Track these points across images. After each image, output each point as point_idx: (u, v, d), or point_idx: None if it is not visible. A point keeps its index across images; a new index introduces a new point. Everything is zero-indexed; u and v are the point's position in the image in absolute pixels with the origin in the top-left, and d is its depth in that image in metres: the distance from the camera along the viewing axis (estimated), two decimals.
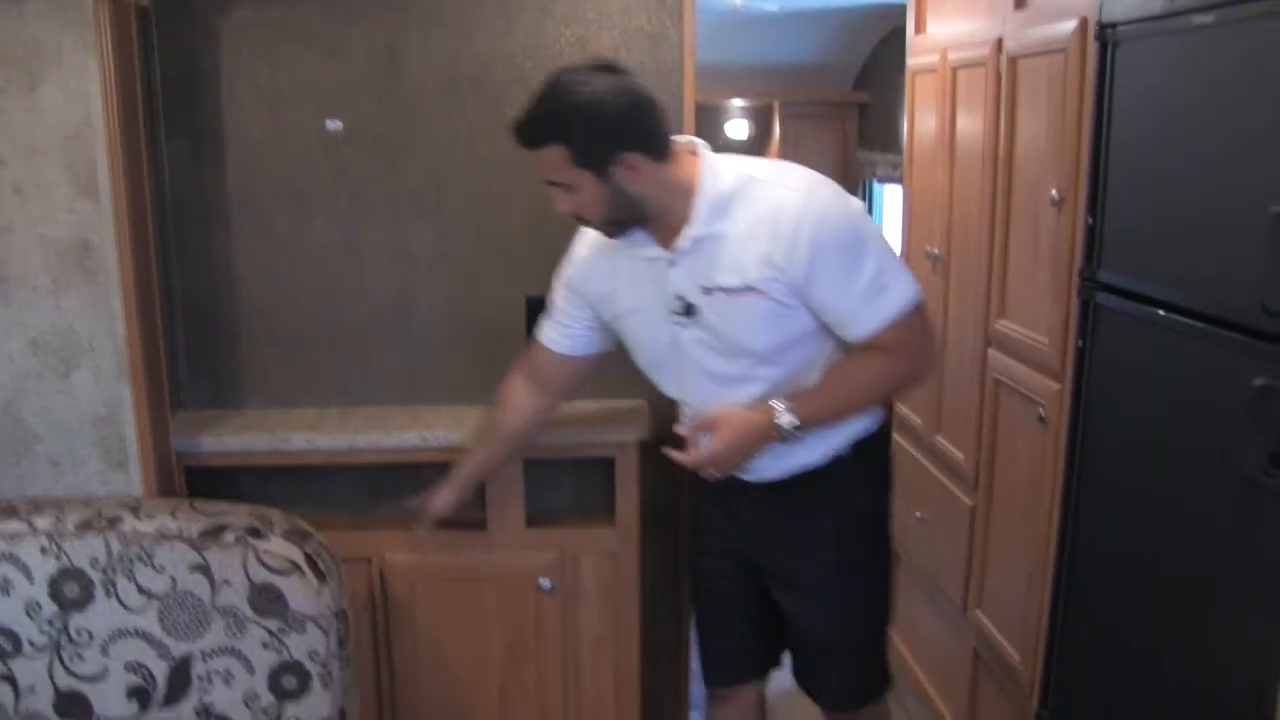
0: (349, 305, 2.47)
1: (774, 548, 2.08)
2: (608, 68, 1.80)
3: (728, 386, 1.93)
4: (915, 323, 1.89)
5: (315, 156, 2.40)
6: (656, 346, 1.99)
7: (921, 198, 3.12)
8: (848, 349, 1.92)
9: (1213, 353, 1.72)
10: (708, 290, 1.86)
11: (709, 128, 6.36)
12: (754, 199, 1.83)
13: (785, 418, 1.86)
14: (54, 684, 2.03)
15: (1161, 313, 1.86)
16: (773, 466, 1.98)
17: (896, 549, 3.45)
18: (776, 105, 5.75)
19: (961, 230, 2.79)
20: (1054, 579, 2.26)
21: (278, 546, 2.04)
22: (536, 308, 2.44)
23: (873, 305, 1.84)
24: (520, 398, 2.16)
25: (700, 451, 1.89)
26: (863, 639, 2.15)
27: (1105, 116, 2.03)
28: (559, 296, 2.09)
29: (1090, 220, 2.08)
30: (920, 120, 3.09)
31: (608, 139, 1.76)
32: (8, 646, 2.02)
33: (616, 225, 1.87)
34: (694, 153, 1.88)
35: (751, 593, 2.15)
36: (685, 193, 1.84)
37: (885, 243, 1.90)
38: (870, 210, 5.25)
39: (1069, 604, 2.23)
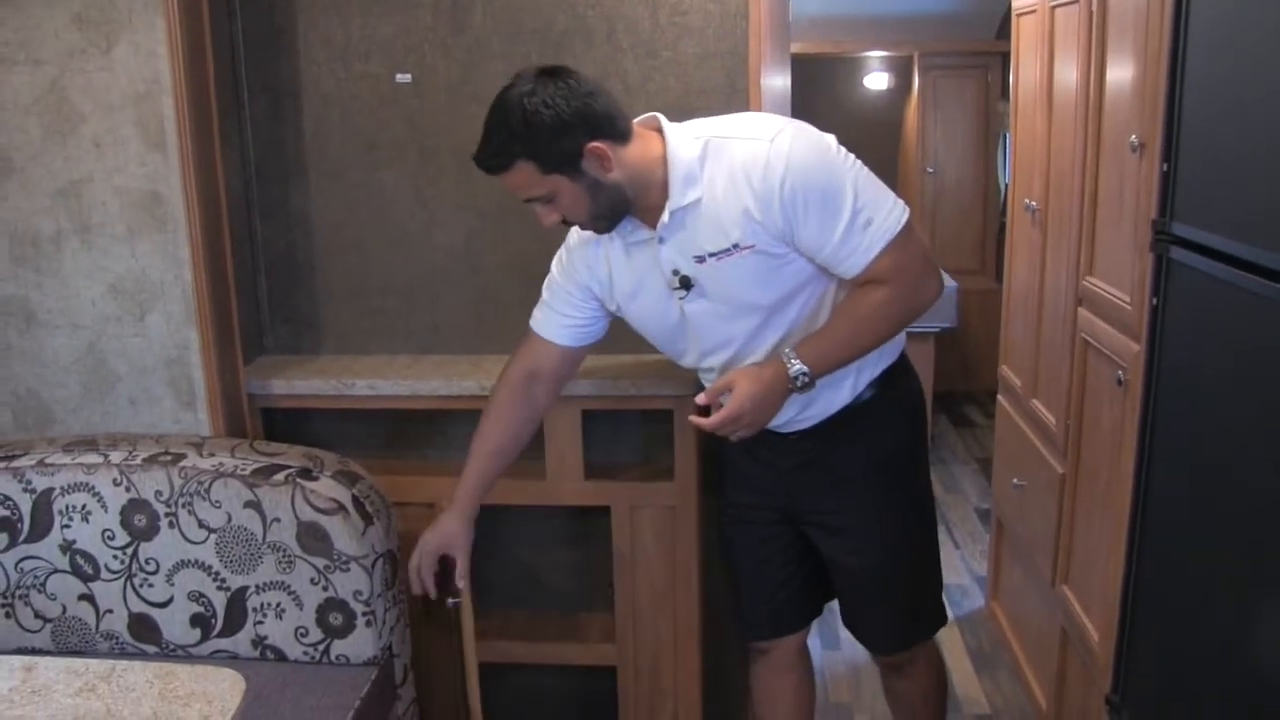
0: (418, 256, 2.53)
1: (811, 493, 2.08)
2: (546, 72, 1.78)
3: (744, 346, 1.93)
4: (906, 248, 1.84)
5: (385, 109, 2.46)
6: (666, 324, 1.99)
7: (1024, 149, 2.96)
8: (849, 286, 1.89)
9: (1273, 310, 1.57)
10: (699, 259, 1.87)
11: (847, 80, 6.19)
12: (721, 158, 1.83)
13: (795, 366, 1.83)
14: (128, 607, 2.17)
15: (1231, 269, 1.71)
16: (802, 415, 1.99)
17: (998, 516, 3.35)
18: (916, 56, 5.54)
19: (1057, 182, 2.64)
20: (1127, 555, 2.13)
21: (325, 487, 2.11)
22: None
23: (858, 241, 1.81)
24: (513, 410, 2.07)
25: (722, 414, 1.86)
26: (906, 578, 2.14)
27: (1182, 53, 1.87)
28: (558, 291, 2.06)
29: (1165, 167, 1.93)
30: (1024, 67, 2.93)
31: (566, 136, 1.75)
32: (88, 569, 2.16)
33: (605, 219, 1.86)
34: (656, 128, 1.87)
35: (789, 544, 2.16)
36: (656, 169, 1.84)
37: (862, 173, 1.83)
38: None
39: (1140, 583, 2.09)
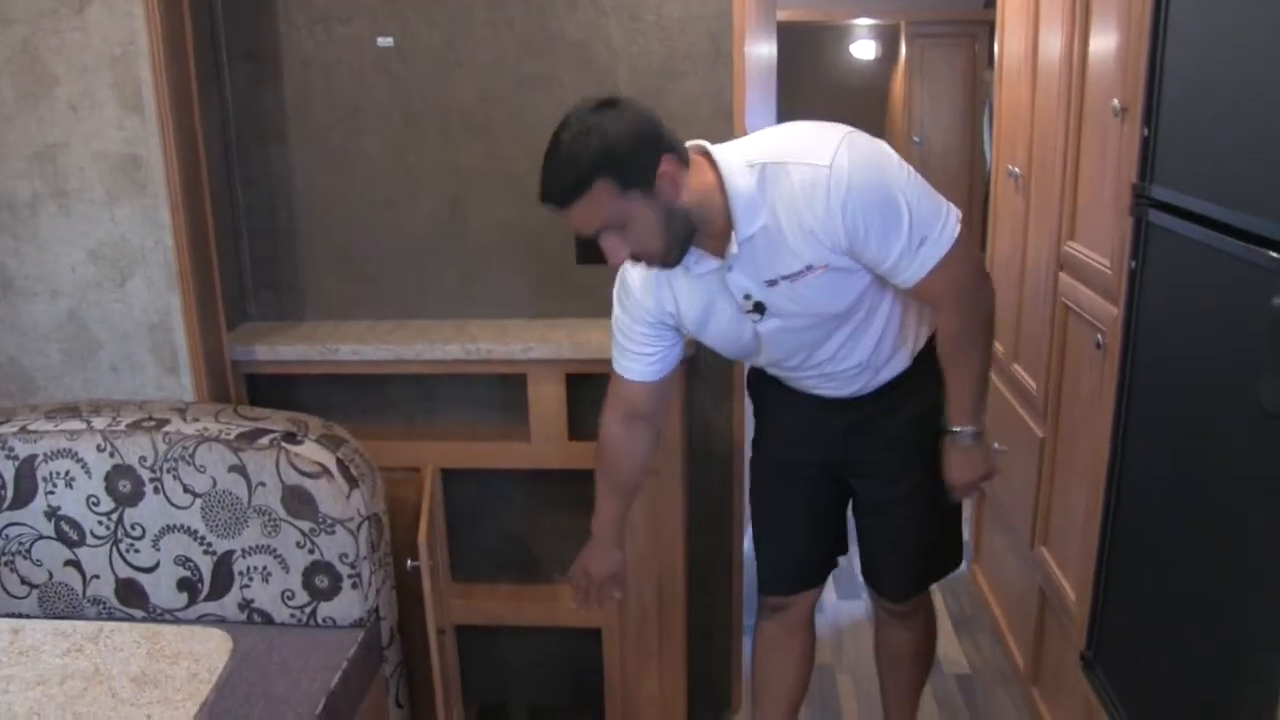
0: (402, 221, 2.53)
1: (864, 446, 2.15)
2: (604, 102, 1.74)
3: (819, 346, 2.00)
4: (958, 263, 1.89)
5: (368, 74, 2.45)
6: (741, 342, 2.02)
7: (1009, 116, 2.97)
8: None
9: (1249, 273, 1.59)
10: (771, 283, 1.88)
11: (833, 48, 6.18)
12: (779, 184, 1.81)
13: (968, 431, 2.04)
14: (114, 573, 2.18)
15: (1207, 230, 1.73)
16: (871, 383, 2.08)
17: None
18: (903, 25, 5.53)
19: (1040, 149, 2.65)
20: (1103, 517, 2.16)
21: (310, 451, 2.12)
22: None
23: (912, 259, 1.86)
24: (630, 444, 2.14)
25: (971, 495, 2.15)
26: (935, 522, 2.24)
27: (1163, 20, 1.88)
28: (631, 333, 2.04)
29: (1146, 132, 1.94)
30: (1009, 35, 2.94)
31: (642, 151, 1.71)
32: (73, 535, 2.17)
33: (677, 247, 1.82)
34: (704, 153, 1.85)
35: (830, 499, 2.25)
36: (715, 196, 1.81)
37: (916, 186, 1.85)
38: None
39: (1115, 543, 2.12)
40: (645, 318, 2.01)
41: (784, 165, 1.81)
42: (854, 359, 2.02)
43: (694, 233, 1.81)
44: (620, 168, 1.69)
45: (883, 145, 1.86)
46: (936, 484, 2.15)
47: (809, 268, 1.85)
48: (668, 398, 2.17)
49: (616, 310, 2.06)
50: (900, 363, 2.07)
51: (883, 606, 2.38)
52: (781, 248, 1.83)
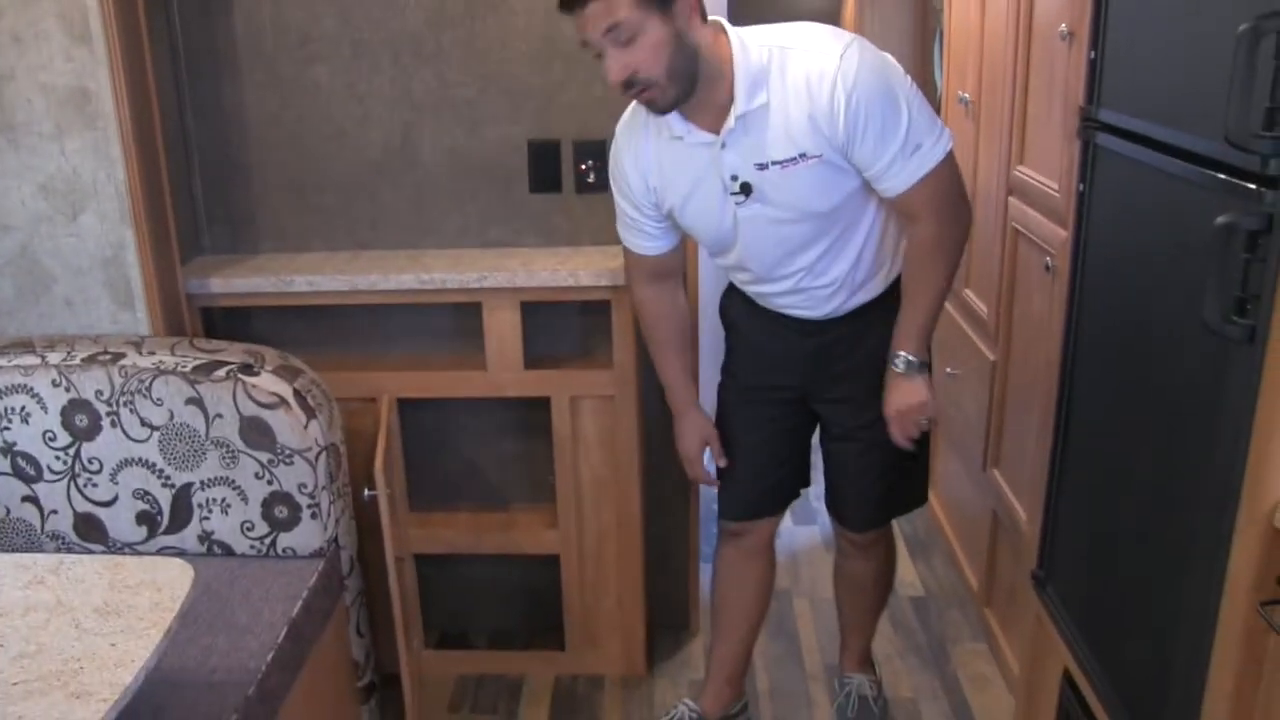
0: (355, 151, 2.51)
1: (831, 371, 2.17)
2: None
3: (793, 254, 2.01)
4: (943, 177, 1.93)
5: (317, 3, 2.41)
6: (720, 228, 2.01)
7: (958, 42, 2.98)
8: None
9: (1191, 193, 1.62)
10: (762, 166, 1.90)
11: None
12: (788, 68, 1.84)
13: (914, 360, 2.03)
14: (72, 507, 2.18)
15: (1151, 152, 1.76)
16: (846, 303, 2.10)
17: None
18: None
19: (989, 74, 2.66)
20: (1053, 437, 2.21)
21: (267, 382, 2.12)
22: (539, 152, 2.45)
23: (903, 165, 1.88)
24: (662, 304, 2.20)
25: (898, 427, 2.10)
26: (900, 456, 2.23)
27: None
28: (626, 207, 2.08)
29: (1092, 55, 1.96)
30: None
31: None
32: (30, 471, 2.16)
33: (678, 83, 1.80)
34: (720, 30, 1.87)
35: (794, 426, 2.27)
36: (724, 66, 1.84)
37: (917, 98, 1.89)
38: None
39: (1065, 464, 2.17)
40: (629, 193, 2.05)
41: (795, 51, 1.85)
42: (832, 274, 2.03)
43: (695, 80, 1.82)
44: None
45: (888, 56, 1.90)
46: None
47: (802, 155, 1.87)
48: (681, 264, 2.21)
49: (614, 191, 2.09)
50: (874, 288, 2.09)
51: (845, 537, 2.39)
52: (779, 131, 1.86)
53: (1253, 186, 1.40)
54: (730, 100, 1.85)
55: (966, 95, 2.81)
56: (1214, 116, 1.52)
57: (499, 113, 2.46)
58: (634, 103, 1.95)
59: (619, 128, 2.04)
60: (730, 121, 1.85)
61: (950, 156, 1.92)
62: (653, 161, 1.99)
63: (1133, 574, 1.86)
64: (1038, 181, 2.32)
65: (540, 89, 2.42)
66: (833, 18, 6.05)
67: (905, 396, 2.06)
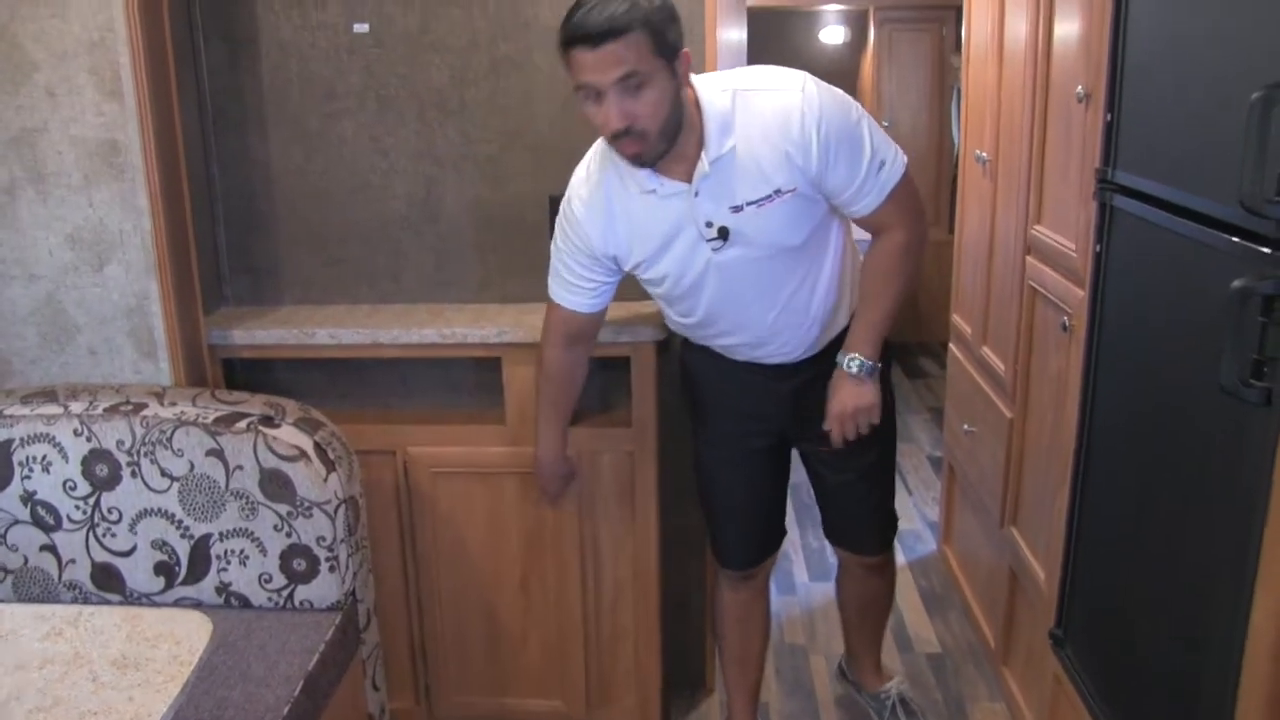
0: (378, 204, 2.54)
1: (811, 412, 2.17)
2: None
3: (771, 291, 2.04)
4: (907, 187, 2.00)
5: (343, 58, 2.45)
6: (690, 275, 2.02)
7: (975, 101, 3.00)
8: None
9: (1207, 255, 1.63)
10: (736, 209, 1.92)
11: (803, 33, 6.20)
12: (750, 109, 1.89)
13: (867, 363, 2.05)
14: (90, 557, 2.18)
15: (1168, 215, 1.77)
16: (814, 346, 2.15)
17: (949, 462, 3.43)
18: (871, 10, 5.56)
19: (1007, 133, 2.69)
20: (1071, 496, 2.20)
21: (287, 434, 2.13)
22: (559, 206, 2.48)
23: (874, 183, 1.94)
24: (572, 368, 2.22)
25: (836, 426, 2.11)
26: (887, 482, 2.38)
27: (1125, 6, 1.91)
28: (572, 264, 2.07)
29: (1109, 117, 1.98)
30: (976, 20, 2.97)
31: (675, 30, 1.79)
32: (50, 520, 2.17)
33: (664, 138, 1.82)
34: (688, 80, 1.91)
35: (777, 469, 2.35)
36: (693, 117, 1.87)
37: (869, 118, 1.97)
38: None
39: (1083, 522, 2.17)
40: (585, 248, 2.04)
41: (755, 92, 1.89)
42: (812, 305, 2.07)
43: (677, 136, 1.84)
44: (658, 32, 1.75)
45: (839, 90, 1.96)
46: (888, 447, 2.30)
47: (777, 191, 1.91)
48: (599, 327, 2.21)
49: (557, 238, 2.09)
50: (841, 319, 2.14)
51: (857, 562, 2.47)
52: (751, 172, 1.89)
53: (1267, 251, 1.41)
54: (699, 148, 1.87)
55: (984, 154, 2.83)
56: (1229, 181, 1.53)
57: (521, 168, 2.49)
58: (593, 157, 2.00)
59: (575, 184, 2.03)
60: (704, 167, 1.87)
61: (908, 168, 2.00)
62: (621, 216, 1.98)
63: (1153, 636, 1.85)
64: (1055, 241, 2.33)
65: (562, 145, 2.45)
66: (849, 77, 6.13)
67: (854, 399, 2.07)
